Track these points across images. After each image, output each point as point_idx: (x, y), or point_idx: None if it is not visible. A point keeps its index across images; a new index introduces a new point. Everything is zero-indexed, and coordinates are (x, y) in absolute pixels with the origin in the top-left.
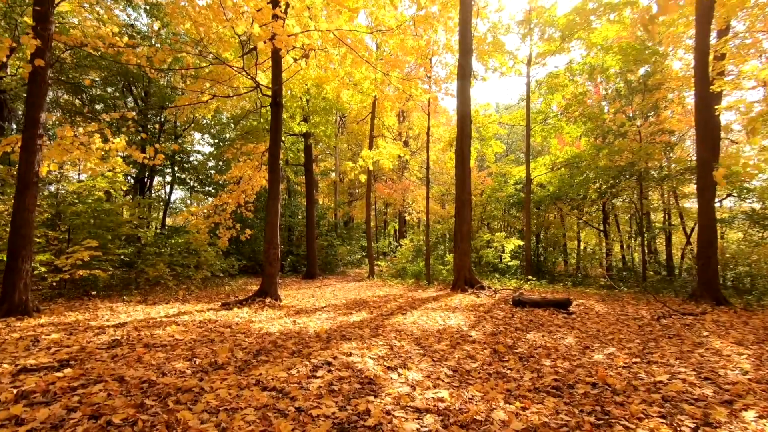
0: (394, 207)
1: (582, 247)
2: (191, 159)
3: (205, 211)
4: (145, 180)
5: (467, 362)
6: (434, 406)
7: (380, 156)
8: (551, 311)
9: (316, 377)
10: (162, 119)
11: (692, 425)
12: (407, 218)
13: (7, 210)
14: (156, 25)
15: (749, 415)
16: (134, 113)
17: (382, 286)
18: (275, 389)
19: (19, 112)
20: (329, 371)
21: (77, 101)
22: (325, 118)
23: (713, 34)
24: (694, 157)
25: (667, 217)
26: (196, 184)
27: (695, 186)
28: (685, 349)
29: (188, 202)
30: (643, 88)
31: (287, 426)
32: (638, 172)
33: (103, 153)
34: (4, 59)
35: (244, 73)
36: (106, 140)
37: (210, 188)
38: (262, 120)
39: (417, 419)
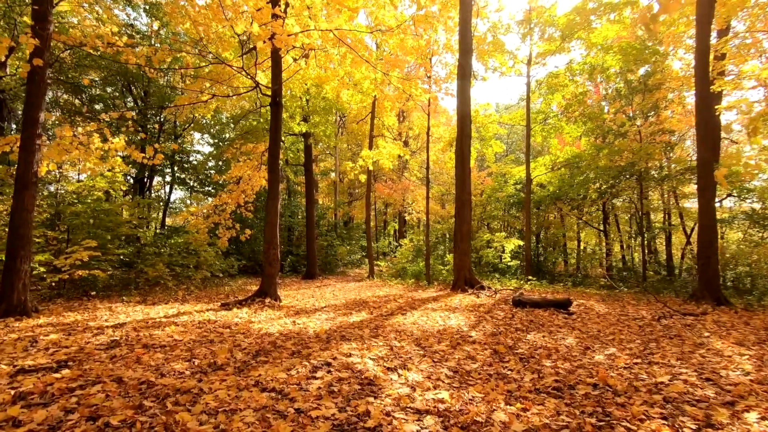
0: (394, 207)
1: (582, 247)
2: (191, 159)
3: (205, 211)
4: (145, 180)
5: (467, 363)
6: (434, 407)
7: (380, 156)
8: (551, 311)
9: (315, 378)
10: (161, 119)
11: (694, 427)
12: (407, 218)
13: (5, 210)
14: (155, 25)
15: (751, 416)
16: (134, 113)
17: (382, 286)
18: (274, 390)
19: (19, 112)
20: (329, 372)
21: (76, 101)
22: (325, 118)
23: (713, 33)
24: (694, 157)
25: (667, 217)
26: (195, 184)
27: (695, 186)
28: (686, 350)
29: (188, 202)
30: (644, 88)
31: (286, 427)
32: (638, 172)
33: (102, 153)
34: (3, 59)
35: (243, 72)
36: (105, 140)
37: (210, 188)
38: (261, 120)
39: (417, 421)
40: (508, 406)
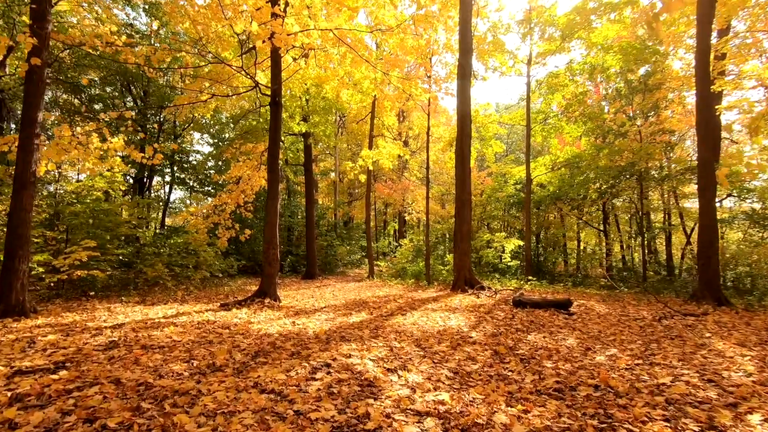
0: (394, 207)
1: (582, 247)
2: (190, 159)
3: (204, 211)
4: (144, 180)
5: (468, 364)
6: (435, 408)
7: (380, 156)
8: (552, 312)
9: (315, 379)
10: (161, 119)
11: (697, 429)
12: (407, 218)
13: (4, 210)
14: (155, 25)
15: (755, 418)
16: (133, 113)
17: (381, 286)
18: (273, 392)
19: (18, 112)
20: (328, 373)
21: (76, 101)
22: (325, 117)
23: (714, 33)
24: (695, 157)
25: (667, 217)
26: (195, 184)
27: (696, 186)
28: (688, 351)
29: (187, 202)
30: (644, 88)
31: (285, 430)
32: (638, 172)
33: (101, 153)
34: (1, 58)
35: (243, 72)
36: (104, 140)
37: (209, 188)
38: (261, 120)
39: (417, 422)
40: (509, 408)
